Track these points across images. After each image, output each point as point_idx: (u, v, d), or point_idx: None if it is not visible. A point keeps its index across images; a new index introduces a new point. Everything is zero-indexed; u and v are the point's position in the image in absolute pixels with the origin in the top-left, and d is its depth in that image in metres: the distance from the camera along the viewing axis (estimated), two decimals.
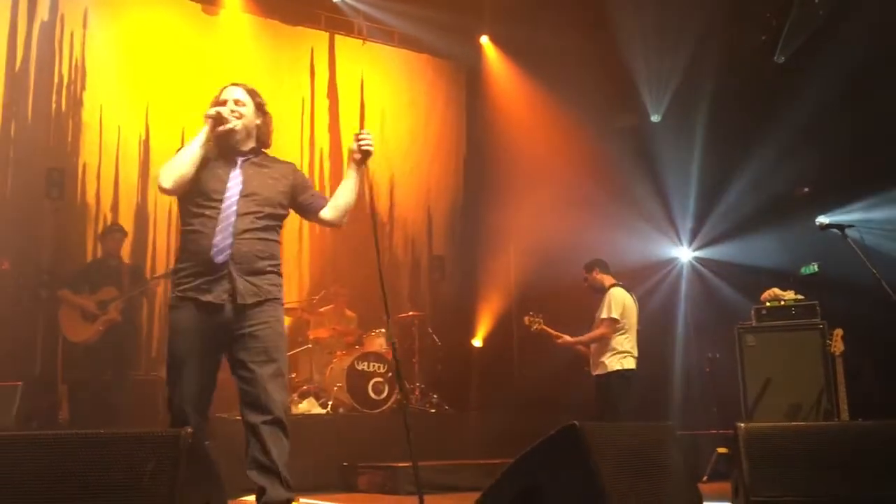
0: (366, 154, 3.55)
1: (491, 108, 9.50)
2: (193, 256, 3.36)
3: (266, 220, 3.47)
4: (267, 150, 3.67)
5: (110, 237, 6.83)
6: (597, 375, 6.09)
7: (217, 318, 3.34)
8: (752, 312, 6.38)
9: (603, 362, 6.04)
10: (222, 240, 3.33)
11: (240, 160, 3.52)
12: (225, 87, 3.61)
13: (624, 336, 6.04)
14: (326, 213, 3.59)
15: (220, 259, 3.32)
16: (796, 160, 7.49)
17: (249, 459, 3.34)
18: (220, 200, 3.39)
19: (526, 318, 6.37)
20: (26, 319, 6.75)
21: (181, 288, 3.36)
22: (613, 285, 6.22)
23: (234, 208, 3.38)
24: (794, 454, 3.02)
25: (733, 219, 8.21)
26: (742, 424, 3.12)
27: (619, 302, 6.08)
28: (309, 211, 3.61)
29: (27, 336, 6.82)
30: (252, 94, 3.61)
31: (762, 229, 7.81)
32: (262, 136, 3.62)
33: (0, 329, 6.58)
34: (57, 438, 2.20)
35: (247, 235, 3.38)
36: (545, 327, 6.28)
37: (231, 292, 3.34)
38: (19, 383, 5.40)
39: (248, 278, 3.37)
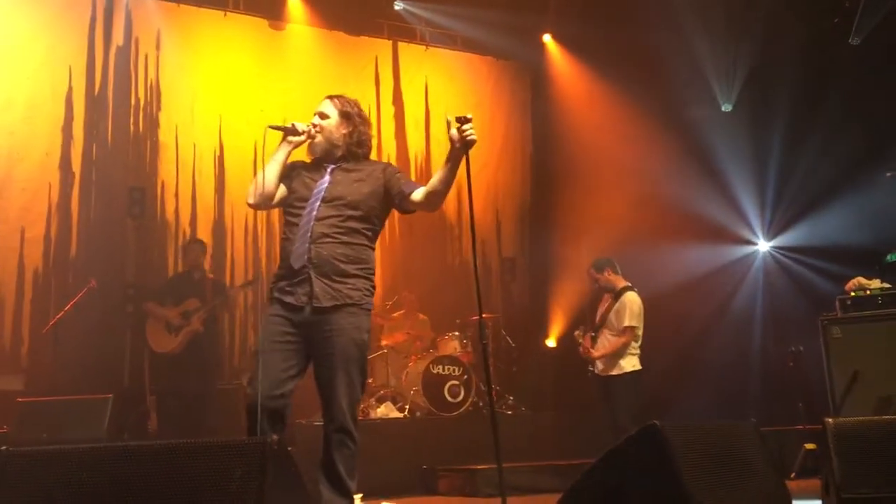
0: (470, 144, 3.37)
1: (556, 106, 9.44)
2: (283, 262, 3.52)
3: (351, 223, 3.50)
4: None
5: (191, 250, 7.04)
6: (610, 375, 6.08)
7: (298, 317, 3.43)
8: (837, 303, 6.15)
9: (619, 363, 6.06)
10: (300, 245, 3.44)
11: (330, 167, 3.61)
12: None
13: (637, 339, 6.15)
14: (417, 195, 3.56)
15: (297, 265, 3.42)
16: (879, 144, 7.22)
17: (319, 460, 3.43)
18: (304, 207, 3.51)
19: (576, 332, 6.42)
20: (114, 334, 7.01)
21: (272, 289, 3.53)
22: (626, 288, 6.23)
23: (314, 214, 3.47)
24: (886, 449, 2.92)
25: (814, 206, 7.96)
26: (830, 420, 3.02)
27: (638, 308, 6.14)
28: (402, 197, 3.59)
29: (115, 350, 7.07)
30: (342, 103, 3.71)
31: (844, 217, 7.56)
32: (353, 143, 3.66)
33: (90, 344, 6.85)
34: (146, 448, 2.27)
35: (326, 240, 3.44)
36: (583, 340, 6.30)
37: (310, 295, 3.41)
38: (110, 396, 5.60)
39: (327, 282, 3.42)
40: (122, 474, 2.18)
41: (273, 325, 3.44)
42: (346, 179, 3.57)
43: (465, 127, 3.39)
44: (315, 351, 3.44)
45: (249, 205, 3.58)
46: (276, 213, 8.22)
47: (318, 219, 3.47)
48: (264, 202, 3.55)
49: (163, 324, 6.68)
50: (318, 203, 3.50)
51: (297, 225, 3.49)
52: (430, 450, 6.44)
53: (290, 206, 3.56)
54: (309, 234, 3.45)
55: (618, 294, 6.22)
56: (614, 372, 6.08)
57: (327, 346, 3.41)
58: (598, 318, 6.34)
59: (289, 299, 3.44)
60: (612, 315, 6.19)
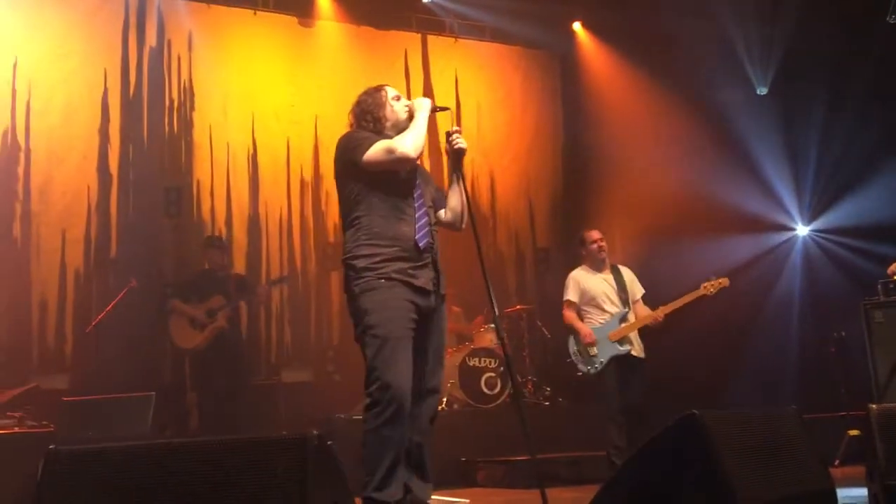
0: (459, 152, 3.61)
1: (587, 93, 9.36)
2: (396, 242, 3.40)
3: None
4: None
5: (211, 251, 7.03)
6: (642, 359, 5.70)
7: (425, 302, 3.40)
8: (879, 287, 6.06)
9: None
10: (422, 226, 3.46)
11: None
12: (386, 87, 3.73)
13: None
14: (445, 214, 3.68)
15: (423, 245, 3.42)
16: None
17: (407, 456, 3.33)
18: (413, 189, 3.52)
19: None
20: (154, 333, 7.11)
21: (383, 271, 3.34)
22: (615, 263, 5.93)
23: (423, 199, 3.54)
24: None
25: (852, 186, 7.82)
26: (874, 406, 2.98)
27: None
28: (440, 207, 3.71)
29: (156, 348, 7.18)
30: None
31: (884, 195, 7.42)
32: None
33: (131, 343, 6.97)
34: (189, 445, 2.30)
35: (432, 228, 3.53)
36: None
37: (435, 281, 3.44)
38: (152, 393, 5.68)
39: (440, 269, 3.49)
40: (167, 471, 2.22)
41: (404, 309, 3.32)
42: (416, 168, 3.65)
43: (452, 137, 3.61)
44: (421, 340, 3.40)
45: (410, 159, 3.44)
46: (309, 207, 8.31)
47: (427, 205, 3.53)
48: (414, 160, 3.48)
49: (187, 320, 6.75)
50: (421, 188, 3.56)
51: (411, 206, 3.47)
52: (469, 442, 6.45)
53: (394, 184, 3.47)
54: (426, 218, 3.48)
55: (614, 267, 5.87)
56: (644, 355, 5.72)
57: (434, 337, 3.45)
58: (618, 292, 5.74)
59: (419, 283, 3.38)
60: (635, 287, 5.84)
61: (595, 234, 5.90)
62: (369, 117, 3.61)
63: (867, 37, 7.54)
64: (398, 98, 3.69)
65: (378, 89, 3.70)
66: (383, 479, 3.19)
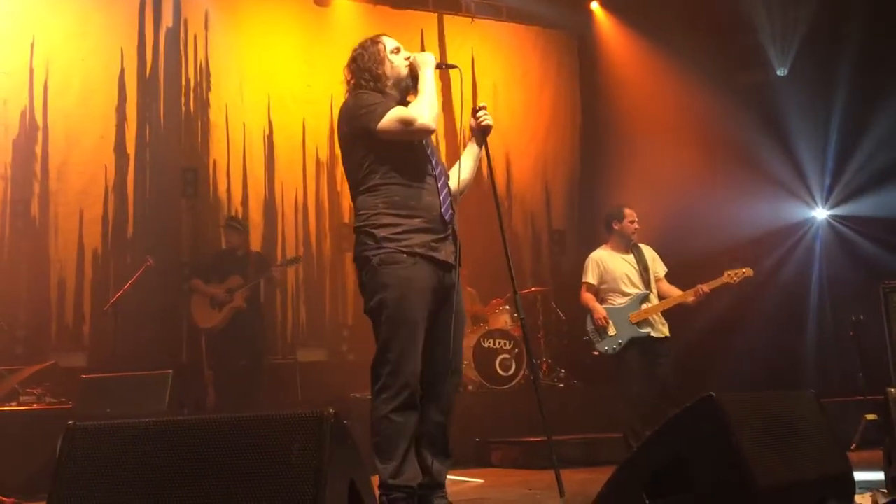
0: (485, 129, 3.49)
1: (605, 74, 9.29)
2: (420, 213, 3.21)
3: None
4: None
5: (228, 232, 7.11)
6: (666, 337, 5.56)
7: (446, 278, 3.23)
8: None
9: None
10: (445, 197, 3.29)
11: None
12: (384, 36, 3.49)
13: None
14: (458, 185, 3.51)
15: (448, 216, 3.26)
16: None
17: (421, 436, 3.22)
18: (430, 157, 3.34)
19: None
20: (171, 311, 7.17)
21: (406, 244, 3.17)
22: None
23: (441, 167, 3.37)
24: None
25: (874, 172, 7.73)
26: (892, 389, 2.97)
27: None
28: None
29: (173, 327, 7.25)
30: None
31: None
32: None
33: (149, 321, 7.03)
34: (206, 422, 2.32)
35: (453, 199, 3.36)
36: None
37: (456, 255, 3.27)
38: (169, 371, 5.73)
39: (459, 244, 3.31)
40: (184, 447, 2.23)
41: (425, 291, 3.15)
42: None
43: (479, 114, 3.50)
44: (444, 319, 3.25)
45: (430, 130, 3.25)
46: (324, 188, 8.31)
47: (444, 172, 3.37)
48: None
49: (207, 300, 6.82)
50: (436, 156, 3.39)
51: (431, 175, 3.28)
52: (483, 423, 6.47)
53: (412, 153, 3.27)
54: (447, 189, 3.31)
55: (636, 246, 5.74)
56: (668, 332, 5.62)
57: (456, 315, 3.25)
58: (640, 272, 5.63)
59: (441, 256, 3.20)
60: (657, 265, 5.75)
61: (633, 212, 5.76)
62: (367, 75, 3.37)
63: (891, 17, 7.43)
64: (397, 50, 3.43)
65: (375, 42, 3.45)
66: (400, 466, 3.09)
